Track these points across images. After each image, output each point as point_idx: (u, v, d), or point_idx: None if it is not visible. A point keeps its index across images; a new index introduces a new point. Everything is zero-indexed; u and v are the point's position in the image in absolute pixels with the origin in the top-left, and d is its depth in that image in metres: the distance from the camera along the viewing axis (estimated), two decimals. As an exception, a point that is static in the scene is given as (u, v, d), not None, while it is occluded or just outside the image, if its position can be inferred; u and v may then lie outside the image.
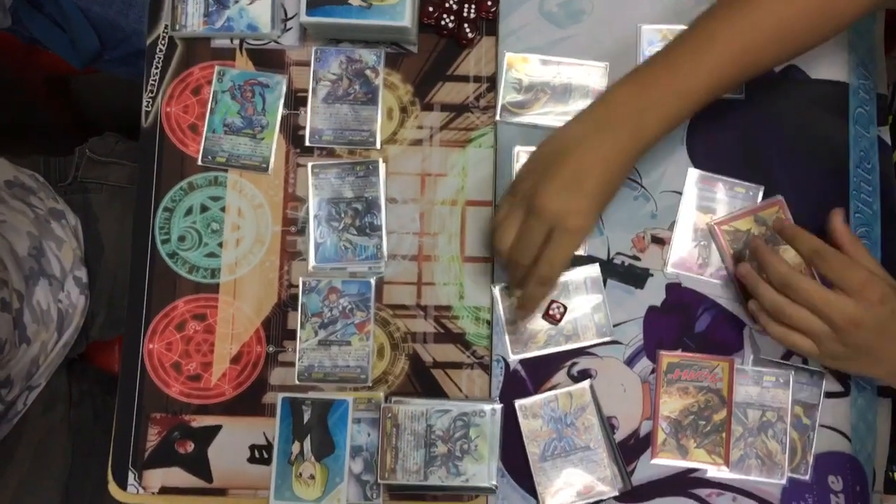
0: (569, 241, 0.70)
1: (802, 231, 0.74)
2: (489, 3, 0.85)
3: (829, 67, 0.86)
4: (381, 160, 0.84)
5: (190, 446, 0.81)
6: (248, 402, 0.82)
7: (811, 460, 0.80)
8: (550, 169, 0.70)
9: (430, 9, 0.84)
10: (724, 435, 0.80)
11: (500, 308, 0.82)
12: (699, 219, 0.83)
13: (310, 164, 0.84)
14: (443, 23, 0.84)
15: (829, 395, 0.81)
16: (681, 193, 0.84)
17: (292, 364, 0.82)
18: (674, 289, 0.83)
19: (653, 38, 0.85)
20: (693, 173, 0.84)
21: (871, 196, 0.84)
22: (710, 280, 0.83)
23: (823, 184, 0.84)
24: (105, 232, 1.01)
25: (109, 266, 1.00)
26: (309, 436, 0.80)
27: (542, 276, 0.72)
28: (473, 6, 0.85)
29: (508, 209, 0.73)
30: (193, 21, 0.85)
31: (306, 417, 0.81)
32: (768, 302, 0.74)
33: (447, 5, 0.84)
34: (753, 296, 0.76)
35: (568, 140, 0.71)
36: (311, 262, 0.83)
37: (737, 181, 0.84)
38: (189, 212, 0.84)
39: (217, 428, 0.81)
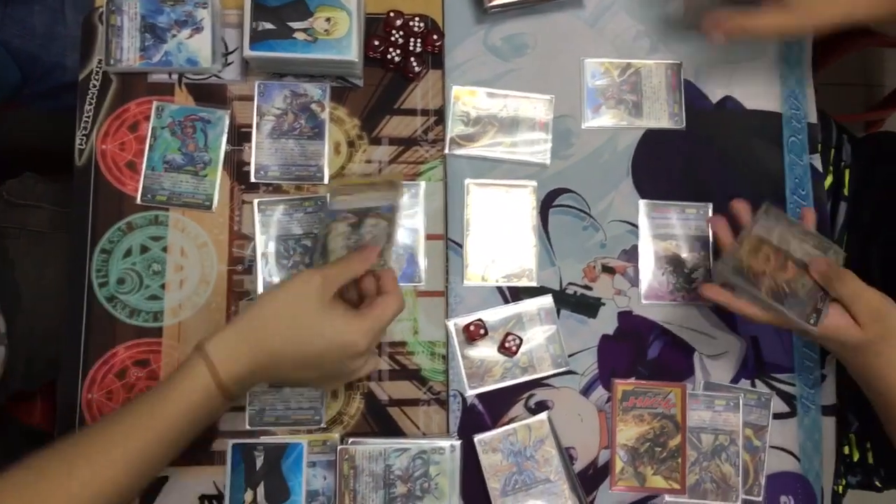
0: None
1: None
2: (434, 36, 0.85)
3: (762, 98, 0.89)
4: (329, 195, 0.82)
5: (135, 499, 0.77)
6: (197, 451, 0.78)
7: (763, 481, 0.81)
8: None
9: (376, 42, 0.84)
10: (679, 460, 0.81)
11: (455, 342, 0.81)
12: (659, 247, 0.85)
13: (256, 201, 0.82)
14: (389, 56, 0.84)
15: (776, 416, 0.83)
16: (629, 223, 0.85)
17: (242, 409, 0.79)
18: (625, 317, 0.84)
19: (595, 70, 0.87)
20: (643, 204, 0.85)
21: (806, 221, 0.87)
22: (684, 304, 0.84)
23: (762, 209, 0.87)
24: (22, 280, 0.94)
25: (27, 316, 0.94)
26: (262, 483, 0.77)
27: None
28: (419, 40, 0.84)
29: None
30: (129, 55, 0.82)
31: (258, 463, 0.78)
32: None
33: (393, 39, 0.84)
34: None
35: None
36: (260, 301, 0.81)
37: (686, 203, 0.86)
38: (128, 253, 0.81)
39: (163, 479, 0.78)
